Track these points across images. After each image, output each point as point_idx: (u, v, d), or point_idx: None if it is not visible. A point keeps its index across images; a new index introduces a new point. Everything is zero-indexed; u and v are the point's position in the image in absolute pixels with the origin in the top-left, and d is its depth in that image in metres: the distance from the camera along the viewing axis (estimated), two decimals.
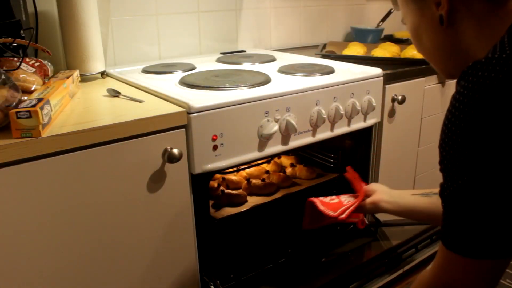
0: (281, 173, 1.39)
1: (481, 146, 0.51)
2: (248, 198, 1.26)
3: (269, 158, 1.46)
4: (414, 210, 0.92)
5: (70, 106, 0.96)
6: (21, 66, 0.96)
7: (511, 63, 0.51)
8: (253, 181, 1.30)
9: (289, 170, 1.43)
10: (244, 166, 1.41)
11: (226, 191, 1.25)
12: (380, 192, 1.00)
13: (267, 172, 1.39)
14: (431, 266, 0.61)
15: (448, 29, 0.65)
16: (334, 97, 1.15)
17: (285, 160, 1.49)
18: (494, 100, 0.50)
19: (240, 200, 1.23)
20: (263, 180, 1.32)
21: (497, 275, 0.56)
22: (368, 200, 1.01)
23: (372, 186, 1.04)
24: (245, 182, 1.31)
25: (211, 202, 1.21)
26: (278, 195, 1.28)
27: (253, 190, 1.29)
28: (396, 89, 1.37)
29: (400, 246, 1.15)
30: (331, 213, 1.00)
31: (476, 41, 0.64)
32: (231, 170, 1.37)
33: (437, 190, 0.95)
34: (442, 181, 0.57)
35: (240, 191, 1.27)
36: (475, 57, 0.65)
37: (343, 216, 0.99)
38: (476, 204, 0.53)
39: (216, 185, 1.27)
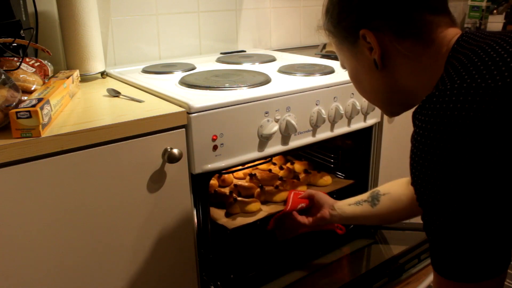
0: (295, 180, 1.34)
1: (455, 175, 0.51)
2: (261, 206, 1.21)
3: (269, 158, 1.46)
4: (353, 217, 1.08)
5: (70, 106, 0.96)
6: (21, 66, 0.95)
7: (465, 92, 0.51)
8: (267, 188, 1.26)
9: (302, 176, 1.38)
10: (247, 165, 1.40)
11: (239, 198, 1.21)
12: (326, 206, 1.11)
13: (280, 178, 1.35)
14: None
15: (384, 71, 0.67)
16: (334, 97, 1.15)
17: (298, 166, 1.45)
18: (459, 129, 0.50)
19: (253, 209, 1.19)
20: (276, 187, 1.28)
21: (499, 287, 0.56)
22: (318, 214, 1.11)
23: (320, 199, 1.13)
24: (258, 189, 1.26)
25: (223, 211, 1.18)
26: None
27: (266, 198, 1.24)
28: None
29: (402, 256, 1.15)
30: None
31: (414, 78, 0.65)
32: (231, 170, 1.36)
33: (363, 197, 1.05)
34: (423, 214, 0.57)
35: (253, 199, 1.22)
36: (415, 95, 0.67)
37: (268, 227, 1.14)
38: (465, 233, 0.53)
39: (228, 192, 1.24)
